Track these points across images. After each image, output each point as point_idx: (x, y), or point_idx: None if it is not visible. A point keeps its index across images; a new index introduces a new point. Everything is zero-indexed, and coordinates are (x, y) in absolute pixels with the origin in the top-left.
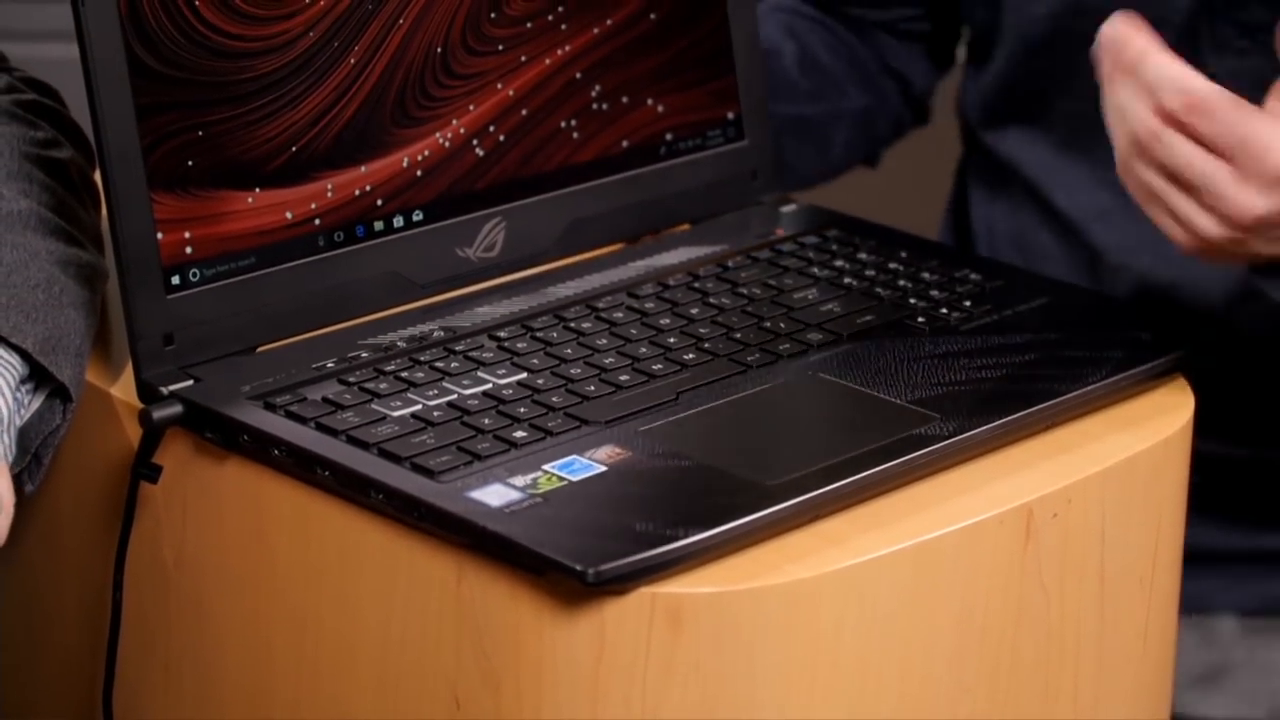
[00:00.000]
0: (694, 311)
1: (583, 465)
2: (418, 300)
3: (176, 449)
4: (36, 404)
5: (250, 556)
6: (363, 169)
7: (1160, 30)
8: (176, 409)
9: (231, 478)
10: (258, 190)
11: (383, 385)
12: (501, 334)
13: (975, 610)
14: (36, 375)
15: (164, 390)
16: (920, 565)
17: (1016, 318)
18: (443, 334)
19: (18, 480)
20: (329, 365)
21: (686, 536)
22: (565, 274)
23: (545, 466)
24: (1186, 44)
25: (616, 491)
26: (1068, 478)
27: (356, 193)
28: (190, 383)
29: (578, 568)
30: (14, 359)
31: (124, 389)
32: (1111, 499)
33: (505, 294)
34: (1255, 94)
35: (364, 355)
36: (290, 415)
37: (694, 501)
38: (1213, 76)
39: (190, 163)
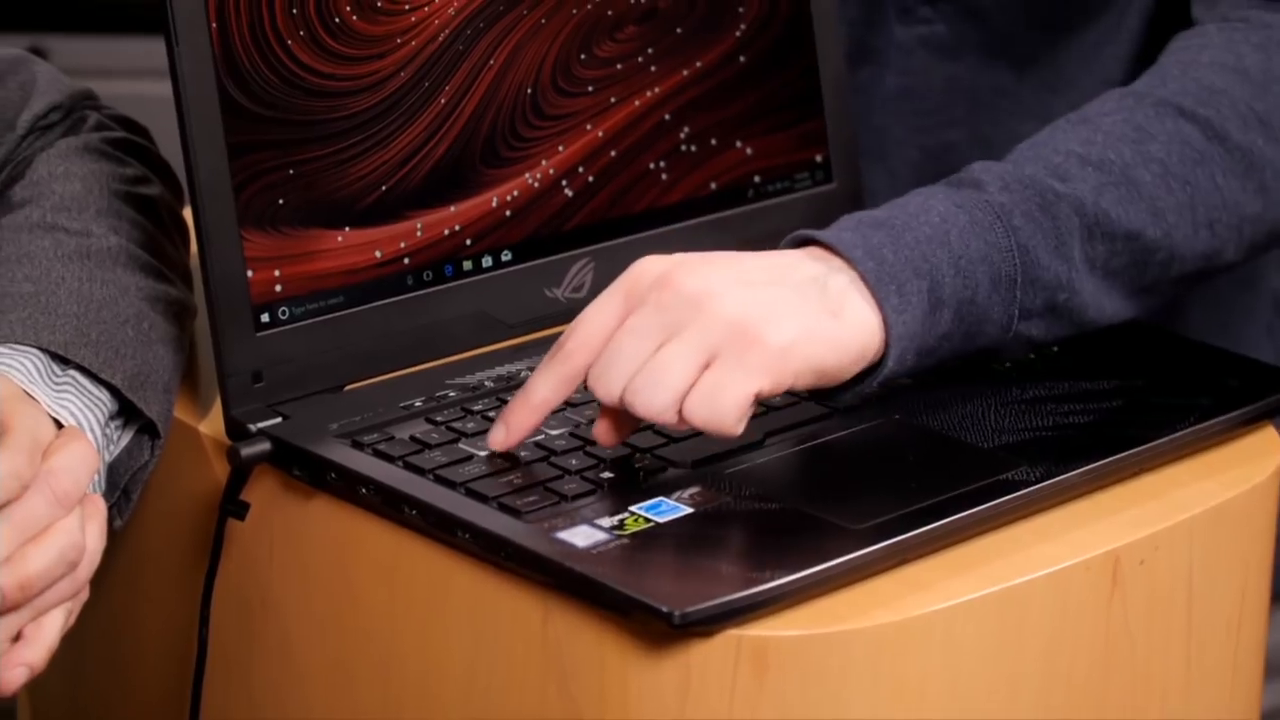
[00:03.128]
0: None
1: (669, 507)
2: (506, 340)
3: (264, 486)
4: (125, 440)
5: (336, 595)
6: (452, 209)
7: (846, 0)
8: (265, 446)
9: (319, 516)
10: (347, 229)
11: (470, 425)
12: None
13: (1061, 657)
14: (125, 411)
15: (252, 428)
16: (1006, 611)
17: (1103, 362)
18: (530, 374)
19: (107, 516)
20: (417, 404)
21: (773, 579)
22: None
23: (632, 508)
24: (873, 12)
25: (703, 533)
26: (1154, 525)
27: (446, 232)
28: (279, 420)
29: (664, 609)
30: (103, 395)
31: (212, 425)
32: (1199, 546)
33: None
34: (940, 59)
35: (452, 394)
36: (378, 454)
37: (780, 544)
38: (900, 44)
39: (281, 201)
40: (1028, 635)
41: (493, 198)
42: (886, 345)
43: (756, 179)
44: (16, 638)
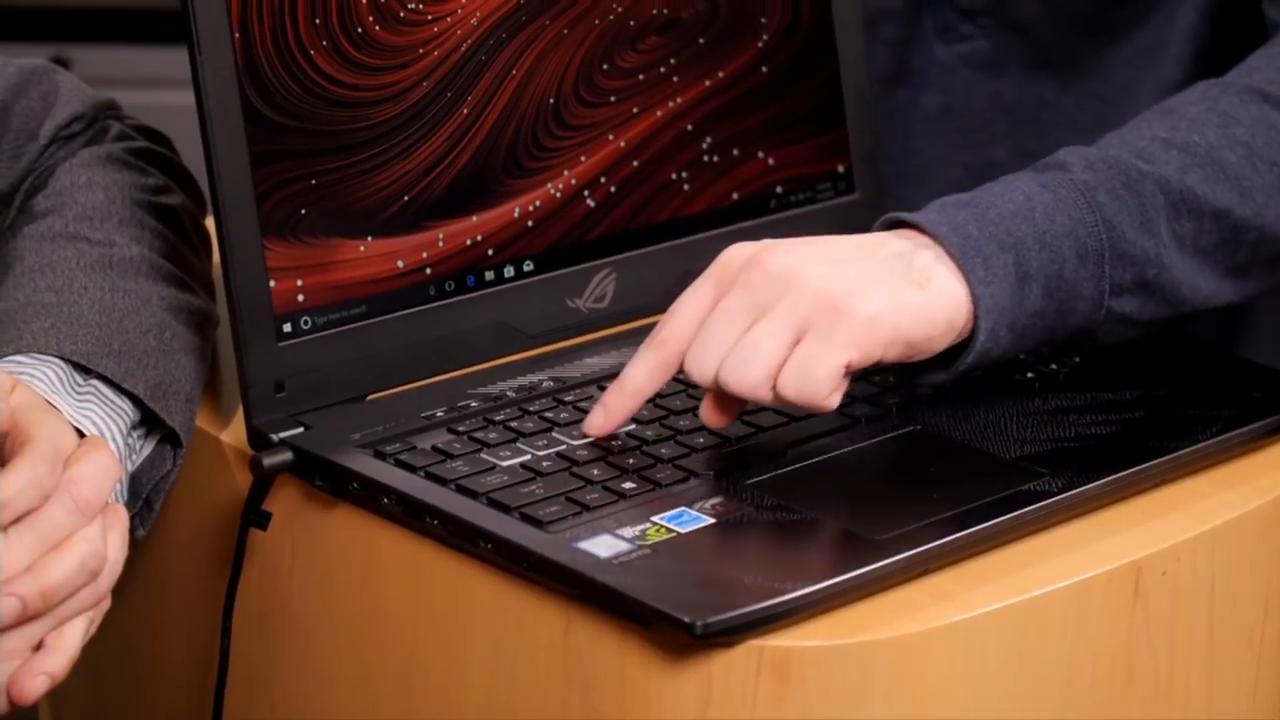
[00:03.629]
0: None
1: (691, 517)
2: (527, 350)
3: (286, 496)
4: (147, 450)
5: (358, 605)
6: (474, 219)
7: (884, 21)
8: (287, 456)
9: (340, 525)
10: (370, 239)
11: (492, 435)
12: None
13: (1083, 667)
14: (147, 421)
15: (274, 437)
16: (1028, 622)
17: (1127, 373)
18: (552, 384)
19: (129, 525)
20: (438, 414)
21: (794, 590)
22: None
23: (654, 518)
24: (912, 31)
25: (725, 544)
26: (1177, 535)
27: (468, 242)
28: (300, 430)
29: (686, 619)
30: (125, 404)
31: (234, 435)
32: (1221, 557)
33: (614, 345)
34: (982, 76)
35: (473, 405)
36: (400, 464)
37: (802, 555)
38: (942, 63)
39: (303, 211)
40: (1049, 646)
41: (515, 208)
42: (976, 319)
43: (779, 189)
44: (38, 646)
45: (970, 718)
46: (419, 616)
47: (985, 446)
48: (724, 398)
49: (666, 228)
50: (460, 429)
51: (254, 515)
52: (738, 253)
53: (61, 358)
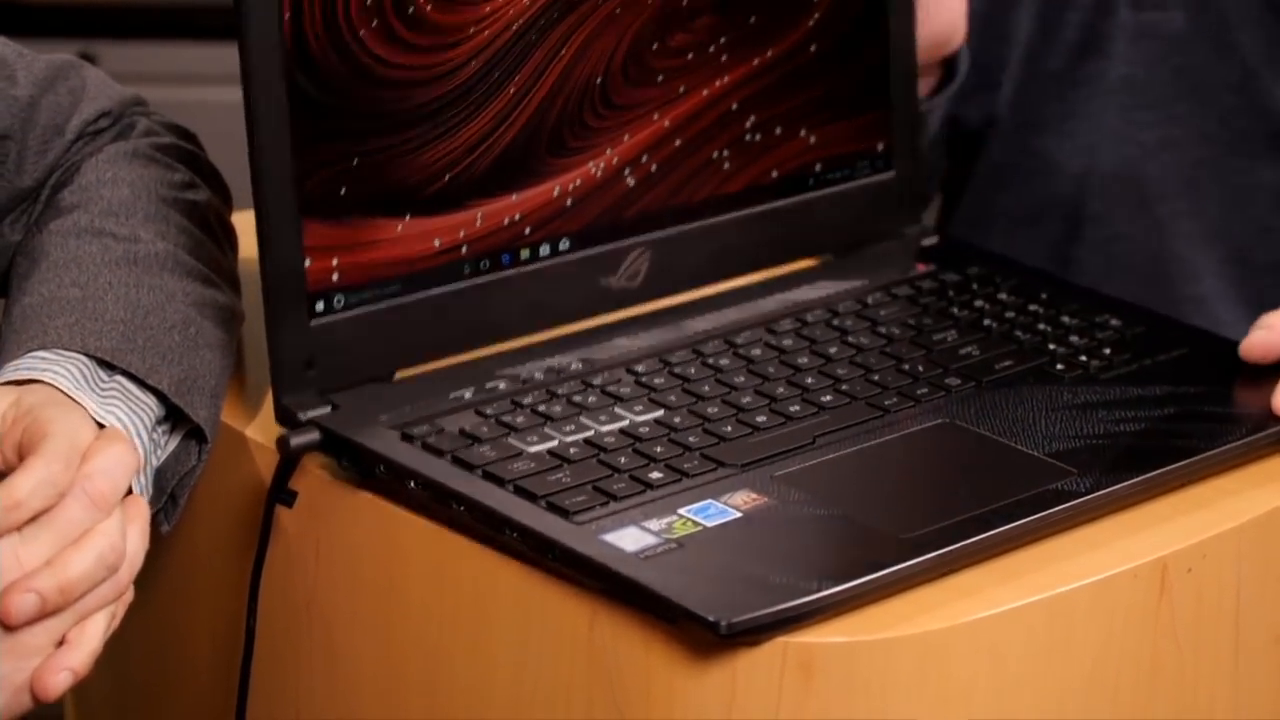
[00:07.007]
0: (832, 350)
1: (718, 510)
2: (558, 328)
3: (312, 480)
4: (172, 445)
5: (382, 595)
6: (514, 197)
7: None
8: (314, 436)
9: (366, 512)
10: (408, 218)
11: (520, 419)
12: (639, 368)
13: (1108, 665)
14: (172, 416)
15: (302, 416)
16: (1053, 619)
17: (1156, 368)
18: (581, 366)
19: (154, 520)
20: (466, 396)
21: (820, 589)
22: (703, 307)
23: (681, 510)
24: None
25: (752, 540)
26: (1203, 533)
27: (506, 221)
28: (328, 410)
29: (711, 618)
30: (150, 400)
31: (258, 429)
32: (1247, 555)
33: (644, 327)
34: (1170, 50)
35: (502, 386)
36: (427, 448)
37: (829, 553)
38: (1130, 31)
39: (343, 190)
40: (1075, 643)
41: (555, 186)
42: None
43: (818, 168)
44: (60, 642)
45: (995, 715)
46: (444, 608)
47: (1014, 442)
48: None
49: (703, 206)
50: (488, 412)
51: (281, 494)
52: None
53: (85, 353)
